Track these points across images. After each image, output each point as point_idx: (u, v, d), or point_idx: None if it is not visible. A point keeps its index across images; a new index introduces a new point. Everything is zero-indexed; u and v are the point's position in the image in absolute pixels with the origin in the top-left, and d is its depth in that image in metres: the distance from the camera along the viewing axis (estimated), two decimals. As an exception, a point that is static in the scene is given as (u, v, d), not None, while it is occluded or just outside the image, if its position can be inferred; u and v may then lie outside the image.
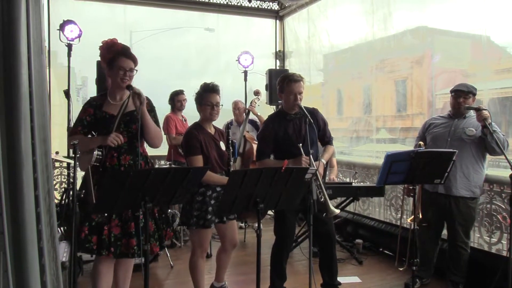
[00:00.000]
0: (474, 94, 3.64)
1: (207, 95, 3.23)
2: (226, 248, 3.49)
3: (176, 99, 5.53)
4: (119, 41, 2.86)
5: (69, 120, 5.16)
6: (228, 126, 3.74)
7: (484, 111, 3.41)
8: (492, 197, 4.06)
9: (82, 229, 2.63)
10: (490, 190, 4.04)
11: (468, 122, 3.65)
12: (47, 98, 1.00)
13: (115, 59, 2.76)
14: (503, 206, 3.96)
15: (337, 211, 3.34)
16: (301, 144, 3.25)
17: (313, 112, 3.51)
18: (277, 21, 7.67)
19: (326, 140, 3.63)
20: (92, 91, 5.75)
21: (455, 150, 3.15)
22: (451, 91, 3.70)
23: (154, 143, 2.91)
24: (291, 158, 3.27)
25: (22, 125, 0.67)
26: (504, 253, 3.83)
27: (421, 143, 3.80)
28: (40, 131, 0.72)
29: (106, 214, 2.63)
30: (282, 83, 3.42)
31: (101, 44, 2.81)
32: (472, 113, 3.63)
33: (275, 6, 7.50)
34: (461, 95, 3.62)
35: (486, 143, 3.48)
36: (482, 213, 4.10)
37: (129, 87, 2.74)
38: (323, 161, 3.49)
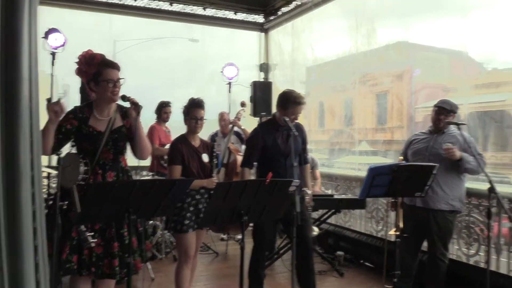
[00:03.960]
0: (455, 113, 3.74)
1: (193, 109, 3.40)
2: None
3: (163, 111, 5.51)
4: (98, 51, 2.71)
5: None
6: (213, 138, 3.78)
7: (451, 151, 3.48)
8: (470, 209, 4.15)
9: (63, 249, 2.50)
10: (468, 203, 4.13)
11: (446, 137, 3.72)
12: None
13: (100, 73, 2.61)
14: (480, 218, 4.06)
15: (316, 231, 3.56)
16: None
17: (300, 127, 3.66)
18: (262, 34, 7.75)
19: (304, 155, 3.77)
20: (74, 99, 5.70)
21: (435, 164, 3.23)
22: (435, 106, 3.77)
23: (143, 156, 2.83)
24: (276, 166, 3.40)
25: (22, 140, 0.68)
26: (482, 265, 3.91)
27: (401, 158, 3.87)
28: (37, 146, 0.73)
29: (90, 235, 2.52)
30: (287, 102, 3.50)
31: (78, 60, 2.66)
32: (451, 128, 3.71)
33: (260, 19, 7.58)
34: (443, 112, 3.67)
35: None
36: (460, 225, 4.19)
37: (124, 97, 2.63)
38: (309, 192, 3.67)
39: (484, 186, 3.69)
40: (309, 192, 3.69)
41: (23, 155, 0.69)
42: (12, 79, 0.69)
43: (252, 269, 3.65)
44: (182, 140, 3.41)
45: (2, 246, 0.65)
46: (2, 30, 0.73)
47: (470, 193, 4.05)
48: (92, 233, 2.51)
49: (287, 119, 3.46)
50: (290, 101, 3.49)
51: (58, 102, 2.48)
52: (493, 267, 3.73)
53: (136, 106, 2.62)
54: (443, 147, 3.64)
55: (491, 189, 3.12)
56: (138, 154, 2.80)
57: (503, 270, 3.82)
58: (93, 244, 2.49)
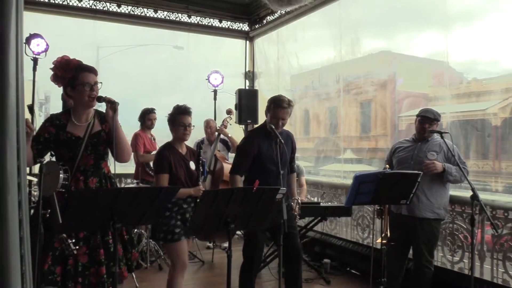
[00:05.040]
0: (438, 121, 3.77)
1: (180, 116, 3.33)
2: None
3: (147, 117, 5.47)
4: (81, 57, 2.68)
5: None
6: (200, 145, 3.75)
7: (430, 167, 3.53)
8: (454, 217, 4.20)
9: (45, 260, 2.44)
10: (452, 210, 4.18)
11: (430, 146, 3.75)
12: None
13: (76, 77, 2.57)
14: (464, 226, 4.10)
15: None
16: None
17: (289, 136, 3.67)
18: (247, 41, 7.78)
19: (292, 164, 3.77)
20: (56, 106, 5.62)
21: (420, 172, 3.26)
22: (417, 115, 3.80)
23: (124, 158, 2.73)
24: (268, 175, 3.35)
25: (8, 147, 0.66)
26: (466, 272, 3.95)
27: (387, 166, 3.90)
28: (23, 153, 0.71)
29: (71, 242, 2.48)
30: (270, 104, 3.52)
31: (53, 66, 2.62)
32: (435, 136, 3.75)
33: (245, 27, 7.61)
34: (427, 121, 3.70)
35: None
36: (445, 233, 4.23)
37: (100, 98, 2.59)
38: (298, 199, 3.68)
39: (467, 194, 3.75)
40: (299, 200, 3.69)
41: (10, 162, 0.67)
42: (-1, 85, 0.67)
43: (245, 284, 3.56)
44: (169, 147, 3.35)
45: (-13, 257, 0.63)
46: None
47: (454, 201, 4.10)
48: (74, 240, 2.46)
49: (272, 126, 3.45)
50: (273, 103, 3.49)
51: (27, 122, 2.30)
52: (477, 274, 3.77)
53: (112, 104, 2.57)
54: (428, 157, 3.67)
55: (474, 197, 3.16)
56: (118, 156, 2.68)
57: (486, 276, 3.87)
58: (75, 252, 2.44)
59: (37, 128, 2.74)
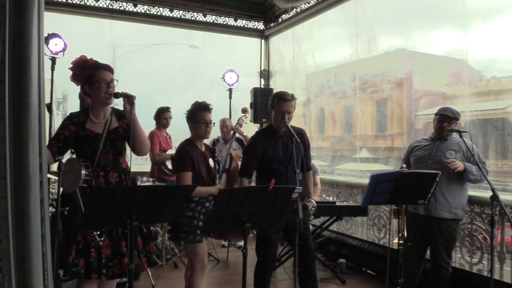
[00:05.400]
0: (458, 120, 3.71)
1: (201, 113, 3.28)
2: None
3: (162, 116, 5.51)
4: (97, 57, 2.77)
5: (50, 135, 5.06)
6: (215, 143, 3.75)
7: (455, 164, 3.47)
8: (472, 217, 4.12)
9: (69, 252, 2.52)
10: (471, 210, 4.11)
11: (448, 145, 3.69)
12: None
13: (93, 75, 2.67)
14: (483, 226, 4.03)
15: None
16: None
17: (301, 133, 3.57)
18: (262, 40, 7.77)
19: (307, 161, 3.64)
20: (73, 105, 5.69)
21: (438, 172, 3.21)
22: (436, 114, 3.74)
23: (142, 151, 2.80)
24: (275, 175, 3.26)
25: (31, 145, 0.66)
26: (485, 273, 3.88)
27: (404, 165, 3.84)
28: (44, 150, 0.71)
29: (97, 234, 2.53)
30: (273, 100, 3.47)
31: (72, 66, 2.71)
32: (454, 135, 3.69)
33: (260, 26, 7.59)
34: (446, 120, 3.65)
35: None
36: (463, 233, 4.16)
37: (117, 94, 2.67)
38: (313, 202, 3.60)
39: (486, 194, 3.69)
40: (314, 202, 3.63)
41: (33, 160, 0.68)
42: (21, 84, 0.67)
43: (260, 285, 3.52)
44: (190, 144, 3.31)
45: (10, 253, 0.64)
46: (11, 33, 0.72)
47: (473, 201, 4.02)
48: (99, 232, 2.53)
49: (287, 123, 3.41)
50: (276, 97, 3.44)
51: None
52: (496, 276, 3.70)
53: (129, 98, 2.65)
54: (446, 156, 3.62)
55: (494, 197, 3.10)
56: (136, 150, 2.76)
57: (506, 279, 3.80)
58: (101, 243, 2.51)
59: (55, 127, 2.82)
